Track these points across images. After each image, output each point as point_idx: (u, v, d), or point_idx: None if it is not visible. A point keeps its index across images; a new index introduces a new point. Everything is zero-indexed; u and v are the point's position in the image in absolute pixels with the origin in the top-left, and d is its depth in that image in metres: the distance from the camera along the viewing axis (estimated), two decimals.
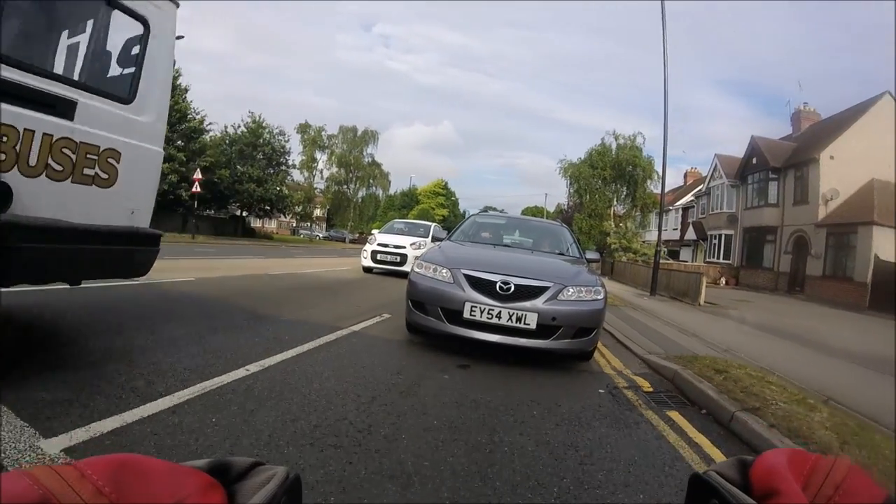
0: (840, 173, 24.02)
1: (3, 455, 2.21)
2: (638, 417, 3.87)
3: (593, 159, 35.11)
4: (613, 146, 34.93)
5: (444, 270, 5.33)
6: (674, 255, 42.61)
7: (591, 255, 7.18)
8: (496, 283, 5.04)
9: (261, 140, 38.08)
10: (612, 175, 34.42)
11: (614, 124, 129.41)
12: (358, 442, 2.81)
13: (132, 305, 5.89)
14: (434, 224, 18.87)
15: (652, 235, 44.18)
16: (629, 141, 34.59)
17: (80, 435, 2.45)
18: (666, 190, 51.81)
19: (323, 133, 57.72)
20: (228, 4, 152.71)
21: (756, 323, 11.58)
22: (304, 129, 56.14)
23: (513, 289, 5.00)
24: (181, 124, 30.49)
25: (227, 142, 37.51)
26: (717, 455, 3.23)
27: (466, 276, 5.18)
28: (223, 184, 33.36)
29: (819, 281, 24.24)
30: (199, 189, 26.96)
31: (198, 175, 26.85)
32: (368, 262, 14.29)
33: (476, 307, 4.96)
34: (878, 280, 20.60)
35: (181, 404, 3.00)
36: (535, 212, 67.76)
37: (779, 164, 27.59)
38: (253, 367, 3.90)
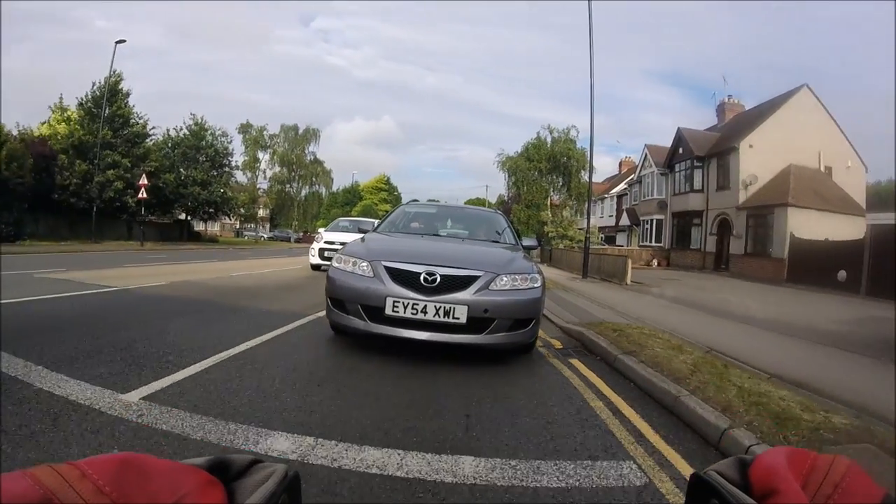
0: (758, 160, 26.13)
1: (91, 407, 3.11)
2: (545, 364, 5.11)
3: (529, 152, 36.84)
4: (548, 139, 36.74)
5: (363, 264, 4.91)
6: (610, 240, 44.74)
7: (528, 241, 7.06)
8: (420, 274, 4.64)
9: (203, 142, 37.96)
10: (547, 167, 36.27)
11: (553, 116, 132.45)
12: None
13: (125, 308, 6.76)
14: (378, 221, 18.45)
15: (594, 220, 46.41)
16: (563, 134, 36.46)
17: (145, 391, 3.40)
18: (602, 179, 54.31)
19: (265, 132, 57.78)
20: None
21: (672, 297, 13.10)
22: (245, 128, 56.21)
23: (439, 280, 4.61)
24: (124, 129, 30.39)
25: (169, 145, 37.13)
26: (596, 380, 4.53)
27: (387, 268, 4.77)
28: (168, 188, 33.29)
29: (742, 259, 26.34)
30: (145, 195, 27.05)
31: (143, 181, 26.90)
32: (316, 260, 14.43)
33: (399, 302, 4.56)
34: (794, 256, 22.56)
35: (209, 367, 4.06)
36: (478, 203, 67.18)
37: (703, 154, 29.67)
38: (253, 342, 5.01)
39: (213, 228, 55.17)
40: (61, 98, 30.90)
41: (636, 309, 9.71)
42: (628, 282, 16.31)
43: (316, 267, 14.39)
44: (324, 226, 19.32)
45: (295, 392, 3.68)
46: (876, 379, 5.46)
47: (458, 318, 4.50)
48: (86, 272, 10.74)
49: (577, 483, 2.55)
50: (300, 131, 61.09)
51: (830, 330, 8.97)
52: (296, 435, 2.87)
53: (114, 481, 0.40)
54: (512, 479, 2.54)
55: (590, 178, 21.65)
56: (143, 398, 3.28)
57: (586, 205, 21.05)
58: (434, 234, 6.79)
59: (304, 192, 63.46)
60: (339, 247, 14.23)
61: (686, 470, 2.76)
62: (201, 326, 5.65)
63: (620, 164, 53.44)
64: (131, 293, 7.96)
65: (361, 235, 6.35)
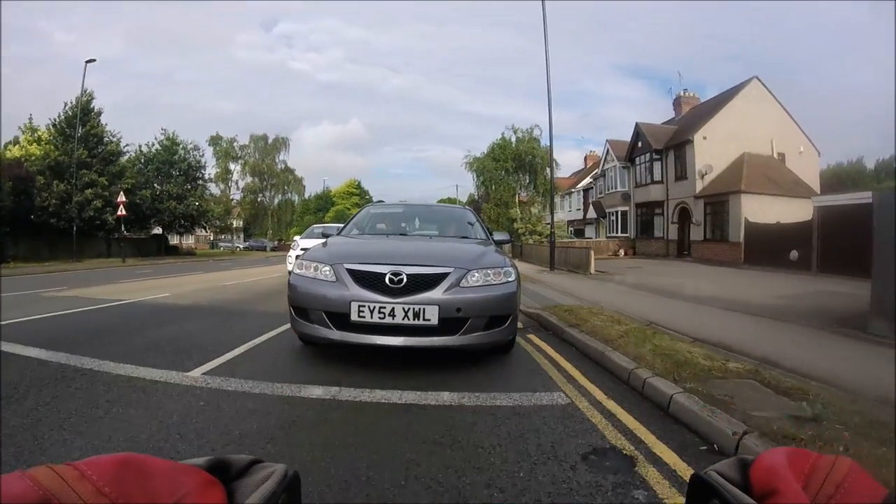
0: (713, 151, 27.73)
1: (167, 382, 4.15)
2: None
3: (495, 153, 38.23)
4: (513, 139, 38.08)
5: (325, 268, 4.70)
6: (579, 233, 46.33)
7: (499, 236, 6.76)
8: (385, 275, 4.42)
9: (176, 157, 38.80)
10: (513, 166, 37.63)
11: (519, 112, 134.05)
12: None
13: (146, 316, 7.75)
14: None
15: (559, 216, 48.05)
16: (527, 133, 37.84)
17: (203, 369, 4.50)
18: (569, 174, 55.68)
19: (235, 143, 58.47)
20: (119, 6, 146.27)
21: (632, 283, 14.36)
22: (215, 140, 56.83)
23: (405, 280, 4.40)
24: (98, 148, 31.04)
25: (142, 161, 37.90)
26: (546, 347, 5.65)
27: (350, 270, 4.55)
28: (145, 204, 34.02)
29: (702, 245, 27.95)
30: (124, 212, 27.67)
31: (122, 198, 27.41)
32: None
33: (364, 306, 4.33)
34: (749, 239, 24.17)
35: (245, 351, 5.21)
36: (450, 202, 68.15)
37: (660, 146, 31.24)
38: (271, 333, 6.09)
39: (188, 241, 55.83)
40: (31, 118, 31.71)
41: (596, 295, 10.87)
42: (592, 271, 17.61)
43: None
44: (298, 233, 19.76)
45: (319, 359, 4.87)
46: (798, 342, 6.52)
47: (428, 320, 4.29)
48: (87, 289, 11.65)
49: (522, 404, 3.71)
50: (269, 140, 61.74)
51: (768, 304, 10.14)
52: (326, 386, 4.02)
53: (113, 482, 0.41)
54: (476, 402, 3.72)
55: (551, 175, 22.94)
56: (204, 373, 4.36)
57: (551, 200, 22.12)
58: (401, 234, 6.70)
59: (276, 201, 64.10)
60: None
61: (600, 396, 3.93)
62: (222, 325, 6.73)
63: (586, 159, 55.09)
64: (144, 304, 8.95)
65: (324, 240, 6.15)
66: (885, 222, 6.82)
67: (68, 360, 4.75)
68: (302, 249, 13.16)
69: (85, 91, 30.87)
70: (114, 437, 3.01)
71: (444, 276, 4.47)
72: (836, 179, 40.35)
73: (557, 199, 49.78)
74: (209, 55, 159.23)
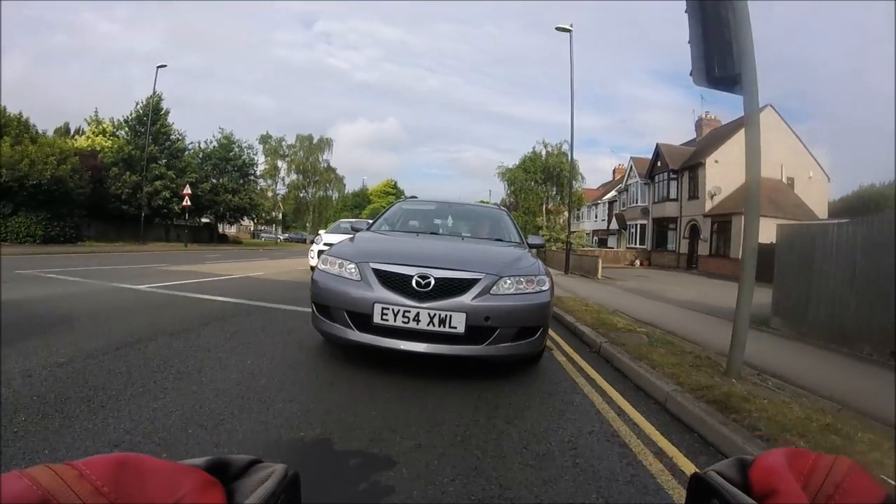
0: (723, 173, 30.38)
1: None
2: None
3: (526, 164, 41.01)
4: (543, 153, 40.83)
5: (350, 266, 4.53)
6: (603, 242, 49.13)
7: (534, 240, 6.51)
8: (412, 277, 4.24)
9: (231, 153, 42.54)
10: (542, 178, 40.32)
11: (551, 115, 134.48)
12: None
13: (267, 285, 10.84)
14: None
15: (584, 226, 50.93)
16: (556, 148, 40.57)
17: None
18: (598, 184, 58.22)
19: (283, 142, 62.46)
20: (164, 4, 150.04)
21: (628, 287, 17.31)
22: (265, 139, 60.76)
23: (433, 283, 4.20)
24: (165, 144, 34.85)
25: (200, 157, 41.63)
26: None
27: (376, 270, 4.37)
28: (204, 196, 37.77)
29: (707, 259, 30.75)
30: (188, 203, 31.43)
31: (187, 190, 31.27)
32: (316, 262, 13.91)
33: (388, 309, 4.14)
34: None
35: None
36: (482, 205, 69.70)
37: (677, 167, 34.07)
38: None
39: (231, 230, 59.51)
40: (96, 112, 36.46)
41: (591, 293, 13.79)
42: (599, 276, 20.61)
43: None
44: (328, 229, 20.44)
45: None
46: (697, 323, 9.58)
47: (455, 328, 4.07)
48: (187, 267, 14.46)
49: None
50: (314, 140, 65.67)
51: (714, 305, 12.42)
52: None
53: (112, 482, 0.41)
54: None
55: (569, 191, 25.73)
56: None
57: (569, 213, 24.97)
58: (432, 233, 6.42)
59: (317, 197, 67.81)
60: None
61: (565, 347, 6.62)
62: None
63: (614, 171, 57.67)
64: (254, 278, 12.16)
65: (351, 235, 6.06)
66: (784, 247, 9.71)
67: (249, 303, 7.85)
68: (325, 244, 12.42)
69: (155, 93, 34.61)
70: (291, 331, 5.88)
71: (474, 281, 4.25)
72: (842, 205, 42.64)
73: (584, 209, 52.79)
74: (248, 51, 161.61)
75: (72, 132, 42.43)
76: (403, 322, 4.08)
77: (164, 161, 34.03)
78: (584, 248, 36.56)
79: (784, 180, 31.14)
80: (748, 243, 5.14)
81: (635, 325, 7.86)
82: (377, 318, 4.13)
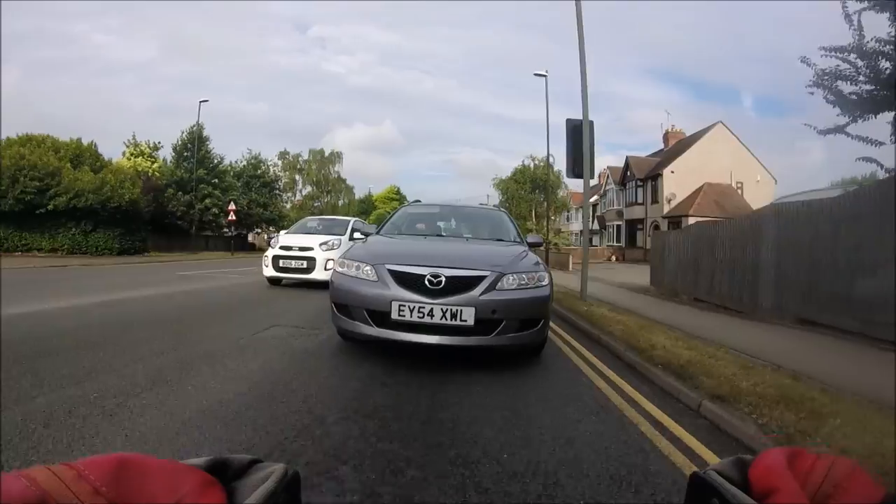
0: (678, 182, 36.20)
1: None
2: None
3: (517, 176, 46.63)
4: (532, 166, 46.56)
5: (367, 267, 4.82)
6: (588, 241, 54.84)
7: (532, 238, 6.83)
8: (425, 276, 4.54)
9: (259, 171, 48.41)
10: (530, 187, 45.98)
11: (543, 115, 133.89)
12: None
13: None
14: (354, 219, 15.66)
15: (573, 226, 57.07)
16: (542, 162, 46.29)
17: None
18: (580, 189, 63.96)
19: (300, 158, 68.35)
20: (156, 11, 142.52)
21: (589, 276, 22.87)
22: (283, 155, 66.43)
23: (444, 282, 4.51)
24: (209, 166, 40.67)
25: (231, 174, 47.07)
26: None
27: (391, 271, 4.67)
28: (243, 211, 43.30)
29: None
30: (234, 217, 37.17)
31: (232, 206, 36.67)
32: (271, 272, 11.70)
33: (405, 306, 4.44)
34: None
35: None
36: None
37: (642, 176, 39.99)
38: None
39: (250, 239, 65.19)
40: (134, 136, 41.28)
41: (560, 280, 18.61)
42: (570, 269, 26.30)
43: (274, 282, 11.99)
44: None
45: None
46: (612, 292, 15.12)
47: (465, 321, 4.40)
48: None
49: None
50: (326, 154, 71.30)
51: (635, 283, 17.83)
52: None
53: (111, 482, 0.40)
54: None
55: (547, 206, 31.51)
56: None
57: (547, 220, 30.66)
58: (437, 235, 6.82)
59: (329, 205, 72.20)
60: (300, 253, 11.33)
61: None
62: None
63: (599, 176, 63.23)
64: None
65: (362, 237, 6.78)
66: (655, 241, 15.51)
67: None
68: (282, 248, 11.59)
69: (198, 123, 40.35)
70: None
71: (481, 278, 4.57)
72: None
73: (573, 211, 58.57)
74: (243, 57, 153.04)
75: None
76: (419, 317, 4.40)
77: (210, 182, 39.72)
78: (567, 246, 42.21)
79: (734, 184, 36.93)
80: (585, 244, 10.80)
81: (576, 293, 13.38)
82: (395, 315, 4.44)
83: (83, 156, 30.12)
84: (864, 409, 3.80)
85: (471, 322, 4.43)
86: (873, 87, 8.15)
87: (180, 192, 37.21)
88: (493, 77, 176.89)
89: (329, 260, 10.66)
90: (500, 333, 4.53)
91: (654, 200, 38.66)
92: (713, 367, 4.85)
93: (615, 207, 45.52)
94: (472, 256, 5.21)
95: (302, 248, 11.41)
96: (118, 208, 28.19)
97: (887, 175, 8.41)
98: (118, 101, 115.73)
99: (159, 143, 41.52)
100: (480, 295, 4.52)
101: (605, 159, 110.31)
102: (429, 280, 4.55)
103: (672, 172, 36.65)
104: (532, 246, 6.46)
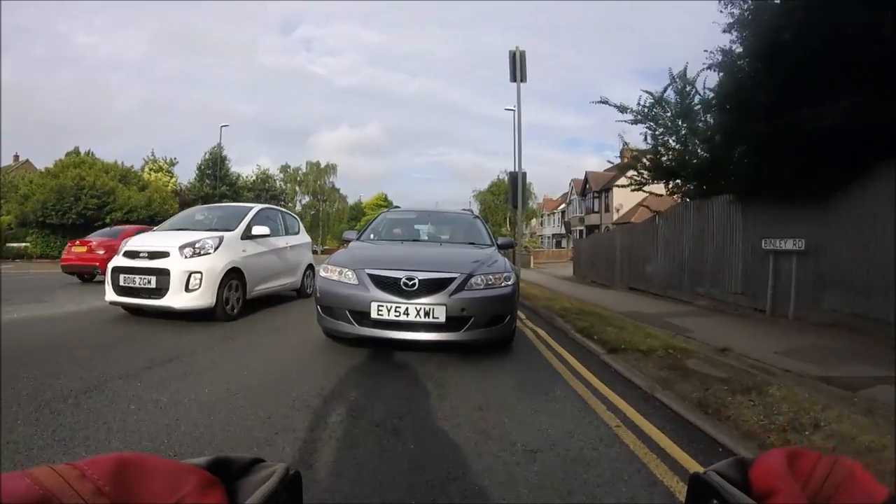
0: (626, 194, 42.05)
1: None
2: None
3: (493, 189, 53.18)
4: (506, 179, 52.90)
5: (348, 272, 5.21)
6: (559, 244, 61.40)
7: (503, 240, 7.00)
8: (400, 279, 4.92)
9: (267, 185, 54.27)
10: (504, 198, 52.30)
11: (534, 116, 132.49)
12: None
13: None
14: (259, 206, 9.29)
15: (546, 230, 63.63)
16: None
17: None
18: (558, 195, 70.37)
19: (299, 171, 73.96)
20: (144, 7, 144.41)
21: (543, 271, 29.01)
22: (284, 168, 72.06)
23: (418, 283, 4.90)
24: (229, 183, 46.47)
25: (246, 189, 52.88)
26: None
27: (371, 275, 5.06)
28: None
29: None
30: None
31: None
32: (112, 294, 7.12)
33: (383, 306, 4.85)
34: None
35: None
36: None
37: (598, 189, 46.36)
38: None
39: None
40: (153, 152, 46.74)
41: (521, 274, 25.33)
42: (531, 266, 32.57)
43: (134, 309, 7.49)
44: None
45: None
46: (546, 279, 21.25)
47: (437, 318, 4.81)
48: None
49: None
50: (322, 165, 76.68)
51: (564, 273, 24.36)
52: None
53: (113, 481, 0.40)
54: None
55: (519, 210, 37.48)
56: None
57: (512, 227, 36.80)
58: (414, 240, 7.17)
59: (324, 213, 77.72)
60: (148, 263, 6.95)
61: None
62: None
63: (571, 183, 69.68)
64: None
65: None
66: (575, 245, 21.83)
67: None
68: (125, 254, 7.21)
69: (218, 145, 46.26)
70: None
71: (451, 279, 4.98)
72: None
73: (545, 217, 65.04)
74: (228, 58, 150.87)
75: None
76: (395, 316, 4.84)
77: (231, 196, 45.43)
78: (536, 248, 48.51)
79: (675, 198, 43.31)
80: (519, 253, 17.16)
81: (550, 295, 19.30)
82: (374, 314, 4.88)
83: (128, 176, 35.84)
84: (624, 321, 9.27)
85: (442, 319, 4.83)
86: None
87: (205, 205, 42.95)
88: (484, 77, 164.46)
89: (194, 273, 6.84)
90: (469, 329, 4.91)
91: (607, 210, 44.81)
92: (569, 307, 10.04)
93: (577, 215, 51.79)
94: (445, 259, 5.53)
95: (152, 255, 7.06)
96: (161, 221, 33.56)
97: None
98: (105, 98, 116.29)
99: (175, 159, 47.07)
100: (451, 295, 4.89)
101: (593, 161, 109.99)
102: (404, 283, 4.91)
103: (619, 186, 42.74)
104: (502, 248, 6.80)
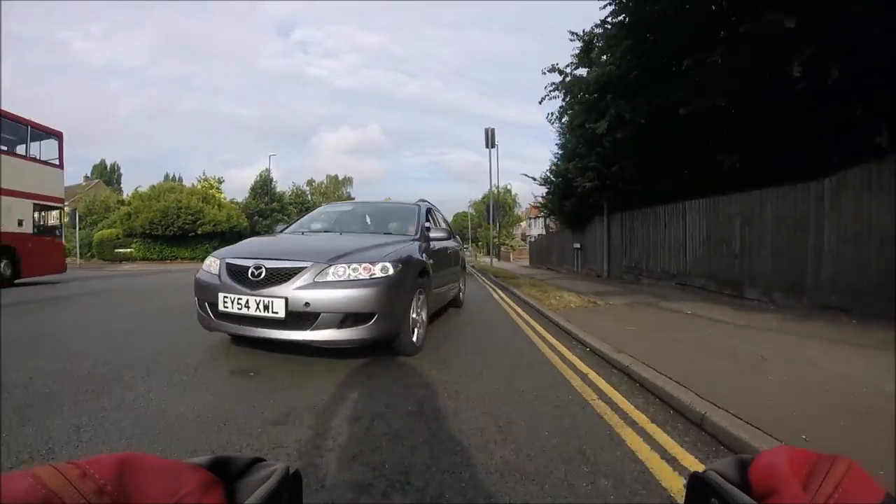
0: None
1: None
2: None
3: (485, 198, 63.27)
4: (496, 191, 63.99)
5: (216, 262, 4.76)
6: None
7: (436, 233, 6.37)
8: (248, 268, 4.39)
9: (301, 199, 64.65)
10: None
11: (532, 116, 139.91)
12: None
13: None
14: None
15: (533, 232, 74.40)
16: (503, 190, 63.78)
17: None
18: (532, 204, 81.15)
19: (322, 184, 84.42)
20: (143, 10, 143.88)
21: (519, 264, 39.82)
22: (310, 182, 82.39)
23: (264, 273, 4.33)
24: (278, 201, 57.00)
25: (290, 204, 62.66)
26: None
27: (227, 264, 4.58)
28: None
29: None
30: None
31: None
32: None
33: (228, 298, 4.33)
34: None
35: None
36: (462, 218, 76.49)
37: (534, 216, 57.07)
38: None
39: None
40: (204, 172, 57.37)
41: (503, 266, 35.63)
42: (511, 260, 43.36)
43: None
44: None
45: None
46: (518, 268, 32.08)
47: (276, 313, 4.17)
48: None
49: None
50: (340, 178, 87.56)
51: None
52: None
53: (115, 480, 0.40)
54: None
55: (491, 221, 48.58)
56: None
57: (490, 231, 47.68)
58: (326, 231, 6.57)
59: None
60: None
61: (481, 279, 28.85)
62: None
63: (528, 206, 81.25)
64: None
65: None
66: (530, 245, 33.02)
67: None
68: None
69: (268, 169, 57.18)
70: None
71: (299, 270, 4.32)
72: None
73: (532, 220, 75.80)
74: (227, 62, 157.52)
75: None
76: (238, 308, 4.27)
77: (280, 210, 55.67)
78: (519, 247, 59.26)
79: None
80: (492, 251, 28.30)
81: (501, 270, 29.00)
82: (220, 306, 4.37)
83: (208, 196, 46.76)
84: (532, 278, 20.28)
85: (282, 314, 4.17)
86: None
87: (261, 219, 53.80)
88: (482, 78, 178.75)
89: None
90: (318, 328, 4.17)
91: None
92: (520, 281, 20.10)
93: (529, 231, 62.18)
94: (305, 248, 4.91)
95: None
96: (236, 231, 44.40)
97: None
98: (105, 104, 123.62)
99: (221, 178, 57.40)
100: (295, 287, 4.22)
101: None
102: (251, 272, 4.37)
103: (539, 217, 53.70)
104: (436, 240, 6.26)
